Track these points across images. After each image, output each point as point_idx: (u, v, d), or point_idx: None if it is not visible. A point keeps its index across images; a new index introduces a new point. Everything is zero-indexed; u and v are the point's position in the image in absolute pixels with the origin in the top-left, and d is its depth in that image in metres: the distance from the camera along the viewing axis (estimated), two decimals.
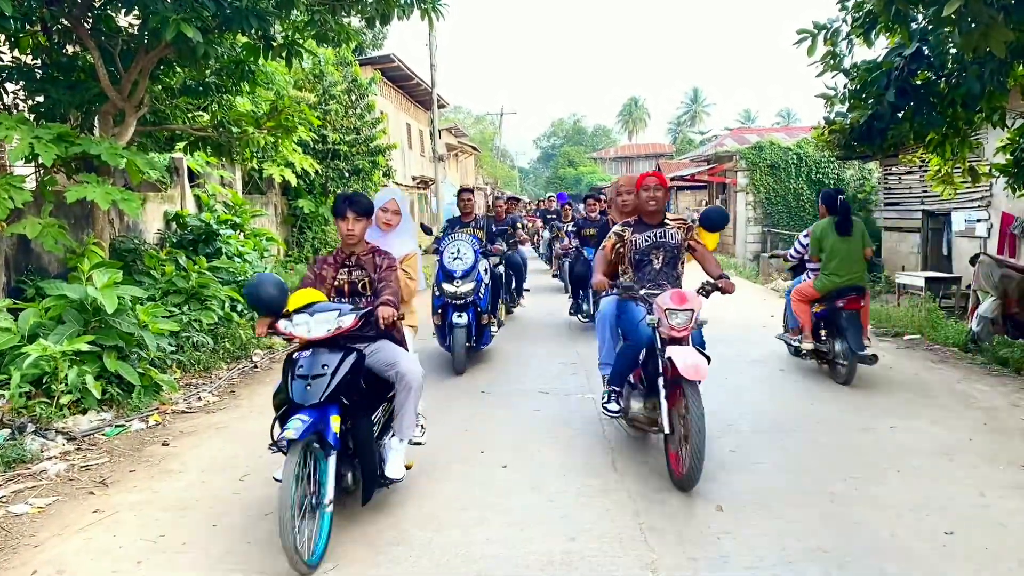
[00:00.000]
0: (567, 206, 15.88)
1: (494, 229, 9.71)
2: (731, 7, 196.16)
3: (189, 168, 12.22)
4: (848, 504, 4.40)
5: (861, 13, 7.98)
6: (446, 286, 7.96)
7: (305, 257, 16.32)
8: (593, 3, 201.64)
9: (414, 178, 30.23)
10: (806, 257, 8.13)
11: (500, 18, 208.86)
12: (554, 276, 16.24)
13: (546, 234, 18.71)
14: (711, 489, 4.62)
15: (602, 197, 13.29)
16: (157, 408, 6.71)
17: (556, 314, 12.15)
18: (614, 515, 4.28)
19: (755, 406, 6.62)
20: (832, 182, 22.73)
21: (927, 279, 13.87)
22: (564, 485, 4.76)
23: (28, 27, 8.36)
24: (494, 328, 8.99)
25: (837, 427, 5.94)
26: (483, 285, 8.24)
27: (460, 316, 7.92)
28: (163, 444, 5.76)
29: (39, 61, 8.83)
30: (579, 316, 11.06)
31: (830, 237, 7.48)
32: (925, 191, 17.72)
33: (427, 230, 10.17)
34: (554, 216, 17.22)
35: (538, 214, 20.36)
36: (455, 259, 8.08)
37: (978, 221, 14.94)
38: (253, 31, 8.23)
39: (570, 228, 13.59)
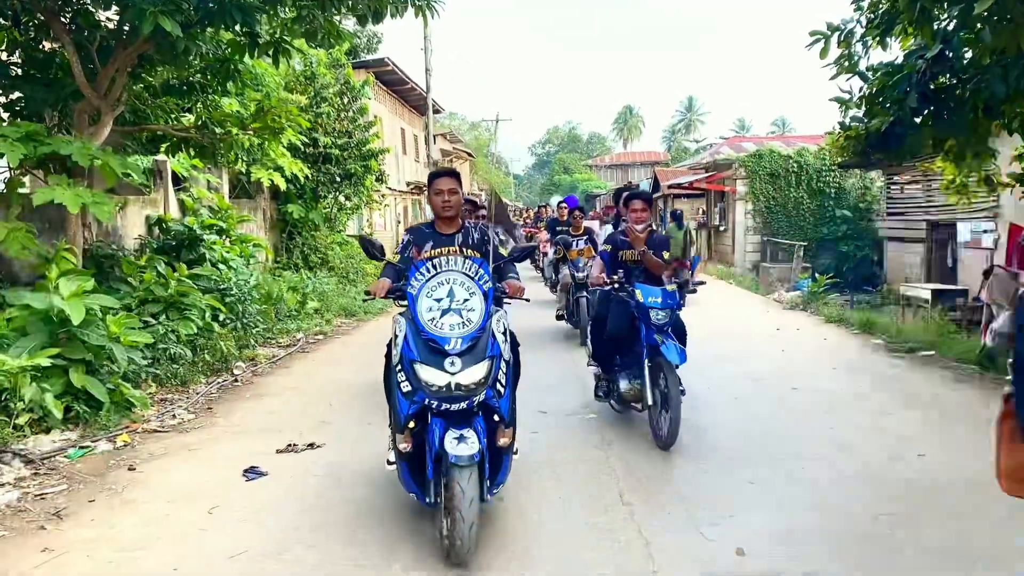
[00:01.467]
0: (578, 214, 11.66)
1: (499, 239, 5.00)
2: (725, 16, 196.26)
3: (174, 171, 11.76)
4: (888, 551, 3.97)
5: (877, 14, 7.60)
6: (426, 372, 3.87)
7: (295, 264, 15.85)
8: (587, 11, 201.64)
9: (408, 184, 29.78)
10: None
11: (495, 24, 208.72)
12: (559, 317, 11.27)
13: (549, 252, 13.33)
14: (731, 527, 4.18)
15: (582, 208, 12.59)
16: (126, 427, 6.24)
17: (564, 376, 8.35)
18: (624, 558, 3.84)
19: (768, 427, 6.19)
20: (833, 191, 22.38)
21: (933, 291, 13.48)
22: (567, 522, 4.31)
23: (2, 21, 7.95)
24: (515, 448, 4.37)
25: (860, 454, 5.51)
26: (502, 363, 4.07)
27: (463, 441, 3.75)
28: (129, 468, 5.29)
29: (14, 57, 8.40)
30: (612, 402, 6.46)
31: None
32: (929, 201, 17.38)
33: (372, 247, 4.85)
34: (564, 228, 12.03)
35: (545, 223, 16.88)
36: (445, 312, 3.99)
37: (985, 232, 14.59)
38: (238, 27, 7.80)
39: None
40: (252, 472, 5.13)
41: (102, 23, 8.15)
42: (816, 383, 7.83)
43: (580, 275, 10.29)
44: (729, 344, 9.90)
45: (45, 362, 5.72)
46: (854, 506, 4.52)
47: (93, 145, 7.24)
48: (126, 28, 7.70)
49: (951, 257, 16.20)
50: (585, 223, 11.78)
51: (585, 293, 9.87)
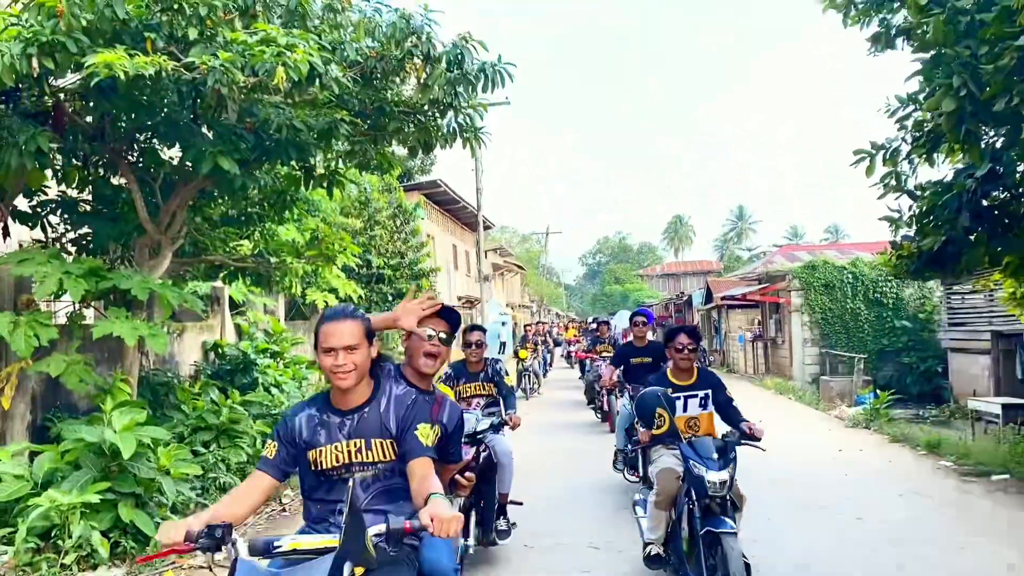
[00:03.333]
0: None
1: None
2: (774, 124, 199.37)
3: (231, 297, 12.09)
4: None
5: (922, 132, 7.59)
6: None
7: None
8: (634, 124, 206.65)
9: (459, 298, 30.15)
10: None
11: (543, 138, 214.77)
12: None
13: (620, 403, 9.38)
14: None
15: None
16: (173, 563, 6.18)
17: None
18: None
19: (832, 565, 5.85)
20: (891, 301, 21.94)
21: (1003, 405, 12.92)
22: None
23: (74, 161, 8.40)
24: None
25: None
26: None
27: None
28: None
29: (84, 194, 8.83)
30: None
31: None
32: (992, 310, 16.89)
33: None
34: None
35: (609, 344, 14.43)
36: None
37: None
38: (293, 162, 8.13)
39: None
40: None
41: (166, 160, 8.56)
42: (882, 512, 7.44)
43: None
44: (789, 466, 9.53)
45: (94, 498, 5.74)
46: None
47: (152, 278, 7.48)
48: (187, 165, 8.08)
49: (1020, 368, 15.60)
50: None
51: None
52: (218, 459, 8.05)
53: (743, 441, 4.85)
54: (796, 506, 7.65)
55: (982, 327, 17.15)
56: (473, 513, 5.65)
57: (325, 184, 8.72)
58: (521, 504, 6.41)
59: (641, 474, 6.69)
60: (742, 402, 5.56)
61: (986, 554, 6.09)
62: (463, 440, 4.19)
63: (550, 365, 26.77)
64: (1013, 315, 14.64)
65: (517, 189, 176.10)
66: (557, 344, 33.89)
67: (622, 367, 8.94)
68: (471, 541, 5.49)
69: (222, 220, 9.70)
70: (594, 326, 18.74)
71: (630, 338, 9.63)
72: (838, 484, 8.76)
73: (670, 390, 5.18)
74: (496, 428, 5.58)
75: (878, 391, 15.28)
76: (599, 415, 14.01)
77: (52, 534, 5.74)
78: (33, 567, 5.41)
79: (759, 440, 4.87)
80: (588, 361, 15.85)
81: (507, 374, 6.24)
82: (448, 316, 3.57)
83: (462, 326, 4.83)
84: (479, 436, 5.39)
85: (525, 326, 25.68)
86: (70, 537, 5.65)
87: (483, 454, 5.59)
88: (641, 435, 5.26)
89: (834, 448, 11.19)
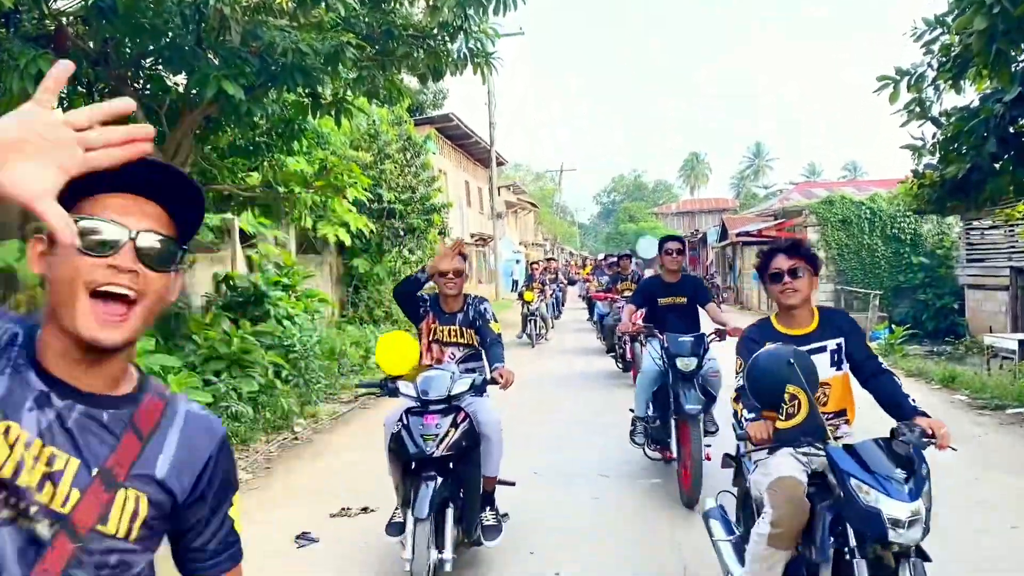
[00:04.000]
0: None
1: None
2: (791, 61, 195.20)
3: (242, 229, 12.02)
4: None
5: (948, 57, 7.32)
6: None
7: (360, 318, 15.99)
8: (650, 58, 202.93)
9: (472, 235, 30.02)
10: None
11: (559, 75, 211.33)
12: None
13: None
14: None
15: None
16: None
17: None
18: None
19: None
20: (909, 237, 21.66)
21: (1020, 341, 12.77)
22: None
23: (79, 89, 8.25)
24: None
25: (946, 526, 5.11)
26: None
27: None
28: None
29: None
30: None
31: None
32: (1012, 246, 16.63)
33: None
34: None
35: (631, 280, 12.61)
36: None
37: None
38: (300, 88, 7.96)
39: None
40: (304, 539, 5.04)
41: (172, 87, 8.40)
42: None
43: None
44: None
45: None
46: None
47: None
48: (193, 92, 7.93)
49: None
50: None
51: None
52: (230, 388, 8.07)
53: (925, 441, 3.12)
54: None
55: (1001, 263, 16.91)
56: (450, 508, 4.00)
57: (333, 112, 8.54)
58: (513, 484, 4.92)
59: (674, 454, 5.90)
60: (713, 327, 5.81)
61: (1001, 484, 6.05)
62: (434, 408, 3.97)
63: (563, 305, 24.58)
64: None
65: (523, 133, 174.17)
66: (571, 283, 31.67)
67: (645, 309, 6.65)
68: (447, 552, 3.86)
69: (230, 150, 9.58)
70: (613, 259, 16.35)
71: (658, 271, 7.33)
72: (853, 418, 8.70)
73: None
74: (478, 390, 4.19)
75: (893, 327, 15.16)
76: (620, 364, 12.00)
77: None
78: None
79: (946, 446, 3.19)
80: (608, 302, 13.18)
81: (494, 318, 4.63)
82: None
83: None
84: (454, 402, 4.05)
85: (531, 264, 22.67)
86: None
87: (461, 425, 4.03)
88: (753, 430, 3.11)
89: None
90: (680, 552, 4.76)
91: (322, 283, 15.15)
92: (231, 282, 10.89)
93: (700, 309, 6.33)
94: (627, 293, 11.82)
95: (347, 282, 16.45)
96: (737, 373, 3.36)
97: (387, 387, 4.12)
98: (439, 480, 3.87)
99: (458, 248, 4.59)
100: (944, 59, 7.38)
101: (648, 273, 14.28)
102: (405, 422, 3.97)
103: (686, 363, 5.62)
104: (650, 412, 6.21)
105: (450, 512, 3.98)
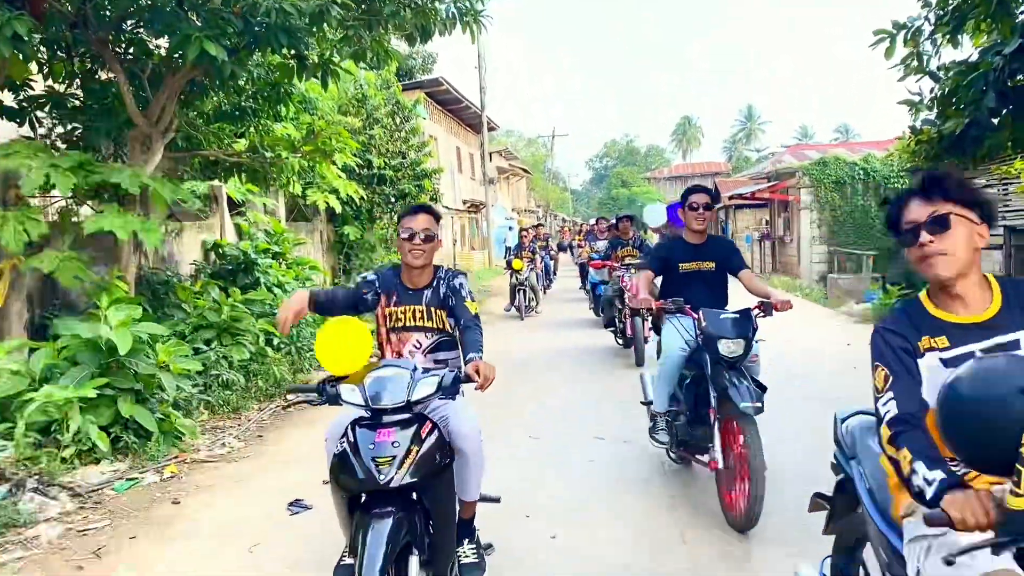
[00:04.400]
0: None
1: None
2: (784, 24, 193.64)
3: (231, 196, 11.84)
4: None
5: (947, 10, 7.18)
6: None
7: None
8: (643, 32, 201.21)
9: (464, 202, 29.80)
10: None
11: (551, 40, 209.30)
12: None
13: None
14: None
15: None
16: (175, 457, 6.15)
17: None
18: None
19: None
20: None
21: None
22: (624, 569, 4.01)
23: (59, 53, 8.04)
24: None
25: None
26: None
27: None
28: (173, 502, 5.18)
29: (72, 90, 8.50)
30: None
31: None
32: (1006, 205, 16.54)
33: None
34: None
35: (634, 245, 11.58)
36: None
37: None
38: (284, 50, 7.77)
39: None
40: (296, 505, 4.98)
41: (155, 50, 8.20)
42: None
43: None
44: (799, 362, 9.44)
45: (91, 393, 5.65)
46: None
47: (144, 172, 7.25)
48: (176, 55, 7.73)
49: None
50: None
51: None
52: (220, 356, 7.98)
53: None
54: (808, 400, 7.58)
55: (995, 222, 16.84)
56: (413, 554, 2.90)
57: (319, 75, 8.34)
58: (498, 500, 3.88)
59: (720, 462, 4.51)
60: (748, 301, 4.90)
61: None
62: (389, 419, 2.95)
63: (554, 274, 23.51)
64: None
65: (516, 107, 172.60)
66: (563, 249, 30.51)
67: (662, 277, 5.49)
68: None
69: (216, 115, 9.39)
70: (606, 223, 15.09)
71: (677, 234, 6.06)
72: (847, 377, 8.67)
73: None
74: (449, 391, 3.14)
75: (888, 287, 15.12)
76: (620, 340, 10.83)
77: (52, 429, 5.68)
78: (33, 461, 5.36)
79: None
80: (608, 271, 11.43)
81: (471, 296, 3.63)
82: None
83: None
84: (417, 409, 3.06)
85: (521, 231, 21.37)
86: (68, 432, 5.59)
87: (427, 440, 3.00)
88: (957, 507, 1.79)
89: (843, 343, 11.11)
90: (676, 513, 4.71)
91: (313, 251, 15.01)
92: (220, 250, 10.76)
93: (730, 278, 5.16)
94: (628, 260, 10.75)
95: (338, 249, 16.30)
96: (879, 392, 2.17)
97: (325, 392, 3.07)
98: (397, 516, 2.81)
99: (296, 313, 3.52)
100: (942, 12, 7.24)
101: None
102: (352, 439, 2.91)
103: (731, 347, 4.52)
104: (675, 407, 5.15)
105: (414, 560, 2.89)
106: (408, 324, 3.63)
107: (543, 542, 4.28)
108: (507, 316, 15.78)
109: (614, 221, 12.58)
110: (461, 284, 3.63)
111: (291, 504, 5.00)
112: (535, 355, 10.89)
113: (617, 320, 10.82)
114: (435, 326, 3.63)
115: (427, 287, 3.64)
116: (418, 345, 3.63)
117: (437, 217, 3.65)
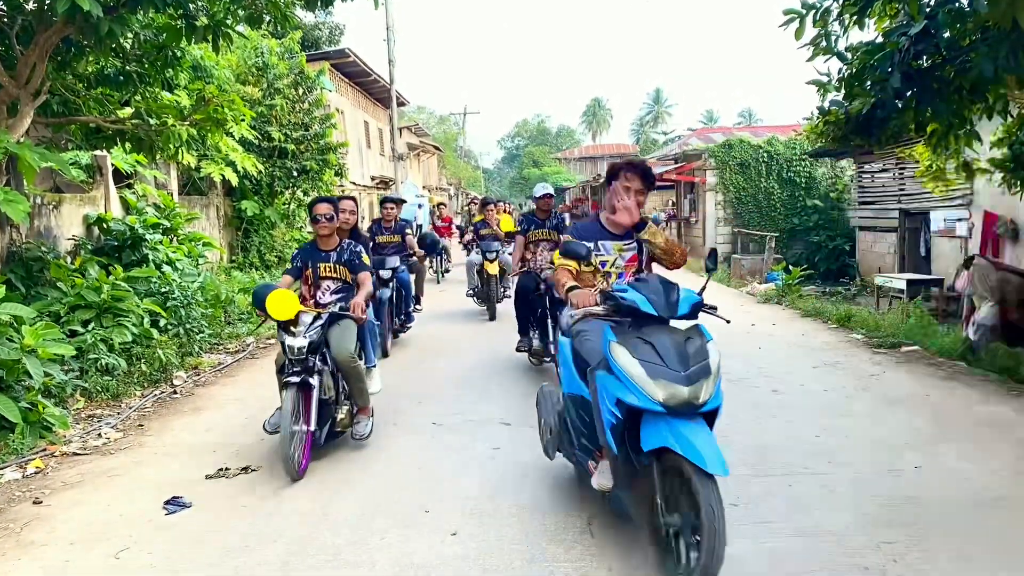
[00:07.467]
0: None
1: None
2: (691, 8, 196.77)
3: (118, 168, 11.07)
4: None
5: None
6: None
7: (251, 263, 15.18)
8: (554, 3, 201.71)
9: (373, 178, 29.10)
10: None
11: (463, 17, 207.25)
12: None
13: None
14: None
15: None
16: (43, 450, 5.62)
17: None
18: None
19: (750, 436, 5.70)
20: (804, 180, 22.09)
21: (908, 281, 13.13)
22: (530, 567, 3.77)
23: None
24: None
25: (852, 468, 5.04)
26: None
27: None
28: (34, 502, 4.67)
29: None
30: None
31: None
32: (901, 189, 17.08)
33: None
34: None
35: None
36: None
37: (958, 220, 14.28)
38: (171, 10, 7.20)
39: None
40: (174, 503, 4.55)
41: (20, 3, 7.47)
42: (798, 384, 7.38)
43: None
44: None
45: None
46: (850, 532, 4.03)
47: (9, 137, 6.59)
48: (47, 10, 7.05)
49: (924, 246, 15.91)
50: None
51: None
52: (98, 339, 7.39)
53: None
54: None
55: (891, 206, 17.36)
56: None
57: (210, 38, 7.77)
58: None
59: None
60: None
61: (901, 422, 6.05)
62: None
63: (450, 261, 20.39)
64: (921, 194, 14.82)
65: (433, 69, 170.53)
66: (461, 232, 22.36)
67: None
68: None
69: (98, 79, 8.67)
70: (533, 199, 11.55)
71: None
72: (753, 357, 8.69)
73: None
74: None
75: (790, 268, 15.40)
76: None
77: None
78: None
79: None
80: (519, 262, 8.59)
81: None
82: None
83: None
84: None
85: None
86: None
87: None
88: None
89: (747, 323, 11.19)
90: (582, 503, 4.51)
91: (208, 226, 14.26)
92: (104, 225, 10.02)
93: None
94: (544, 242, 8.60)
95: (236, 225, 15.55)
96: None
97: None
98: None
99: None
100: None
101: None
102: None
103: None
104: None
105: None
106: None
107: (443, 539, 4.00)
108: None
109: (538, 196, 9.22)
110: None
111: (167, 502, 4.56)
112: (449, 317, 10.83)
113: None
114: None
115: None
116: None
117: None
